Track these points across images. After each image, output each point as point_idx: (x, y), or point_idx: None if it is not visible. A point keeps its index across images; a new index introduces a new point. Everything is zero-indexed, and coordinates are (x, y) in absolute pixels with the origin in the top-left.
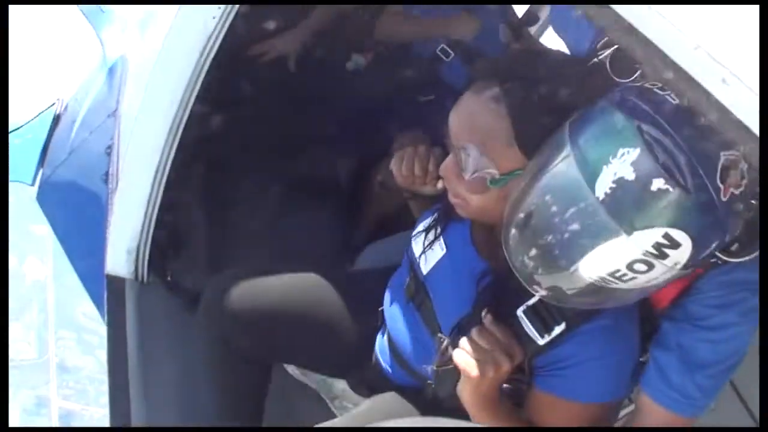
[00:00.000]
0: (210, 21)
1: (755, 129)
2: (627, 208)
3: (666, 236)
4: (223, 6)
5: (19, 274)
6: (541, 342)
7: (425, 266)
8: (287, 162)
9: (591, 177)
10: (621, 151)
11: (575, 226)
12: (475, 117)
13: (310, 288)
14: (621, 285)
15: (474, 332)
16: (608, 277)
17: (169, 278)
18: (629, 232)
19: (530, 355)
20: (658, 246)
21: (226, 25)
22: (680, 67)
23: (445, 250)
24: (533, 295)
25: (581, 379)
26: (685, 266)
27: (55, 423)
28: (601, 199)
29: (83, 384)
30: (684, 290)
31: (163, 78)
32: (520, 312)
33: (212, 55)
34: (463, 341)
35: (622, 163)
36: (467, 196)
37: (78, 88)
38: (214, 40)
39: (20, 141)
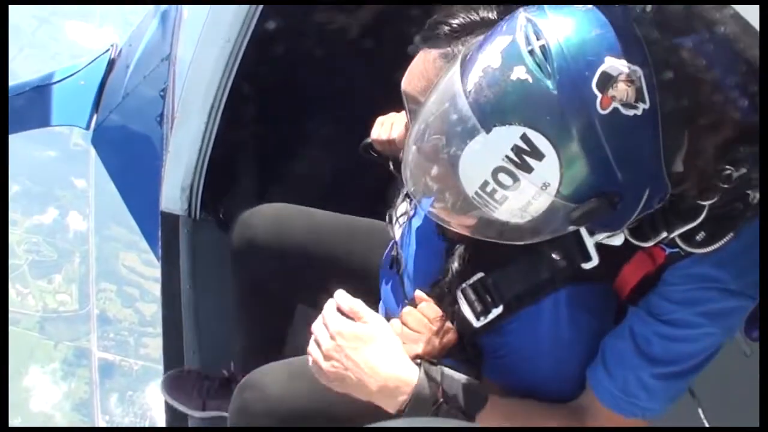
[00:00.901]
0: None
1: None
2: (487, 99)
3: (524, 138)
4: None
5: (62, 226)
6: (477, 324)
7: (398, 233)
8: (333, 110)
9: (466, 71)
10: (497, 39)
11: (448, 127)
12: (422, 72)
13: (334, 231)
14: (497, 206)
15: (402, 312)
16: (482, 193)
17: (221, 215)
18: (488, 129)
19: (470, 336)
20: (517, 151)
21: None
22: None
23: (413, 218)
24: (481, 272)
25: (517, 369)
26: (567, 197)
27: (94, 373)
28: (468, 90)
29: (123, 336)
30: (648, 279)
31: (216, 23)
32: (459, 291)
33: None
34: (393, 321)
35: (493, 51)
36: None
37: (131, 33)
38: None
39: (74, 86)
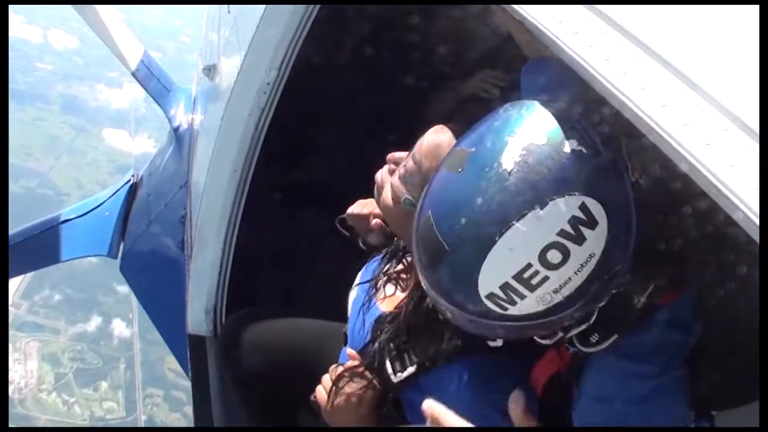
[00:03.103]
0: (262, 95)
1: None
2: (540, 174)
3: (583, 207)
4: (272, 81)
5: (106, 333)
6: (395, 379)
7: (349, 308)
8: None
9: (497, 152)
10: (525, 122)
11: (483, 208)
12: (437, 146)
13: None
14: (526, 294)
15: (330, 369)
16: (514, 283)
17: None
18: (543, 203)
19: (393, 391)
20: (574, 222)
21: (277, 96)
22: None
23: (353, 292)
24: (404, 336)
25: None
26: (601, 268)
27: None
28: (510, 169)
29: None
30: (558, 378)
31: (223, 154)
32: (384, 351)
33: (266, 126)
34: (324, 377)
35: (530, 130)
36: (386, 204)
37: (150, 162)
38: (267, 111)
39: (100, 217)
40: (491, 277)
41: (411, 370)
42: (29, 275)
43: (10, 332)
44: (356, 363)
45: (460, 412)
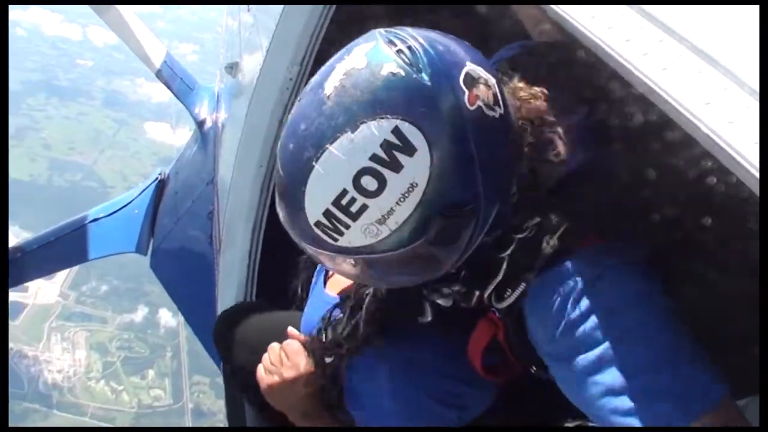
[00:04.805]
0: (285, 91)
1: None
2: (353, 97)
3: (396, 132)
4: (294, 77)
5: (152, 323)
6: (328, 360)
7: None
8: None
9: (323, 79)
10: (356, 48)
11: (305, 133)
12: None
13: None
14: (349, 224)
15: (269, 347)
16: (335, 211)
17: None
18: (354, 127)
19: (330, 371)
20: (387, 147)
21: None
22: None
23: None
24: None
25: (364, 396)
26: (430, 201)
27: None
28: (328, 94)
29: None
30: (498, 343)
31: (249, 149)
32: (323, 333)
33: None
34: (264, 356)
35: (356, 55)
36: None
37: (176, 159)
38: (290, 107)
39: (129, 215)
40: (314, 204)
41: (341, 351)
42: (76, 267)
43: (59, 323)
44: (293, 342)
45: (397, 400)
